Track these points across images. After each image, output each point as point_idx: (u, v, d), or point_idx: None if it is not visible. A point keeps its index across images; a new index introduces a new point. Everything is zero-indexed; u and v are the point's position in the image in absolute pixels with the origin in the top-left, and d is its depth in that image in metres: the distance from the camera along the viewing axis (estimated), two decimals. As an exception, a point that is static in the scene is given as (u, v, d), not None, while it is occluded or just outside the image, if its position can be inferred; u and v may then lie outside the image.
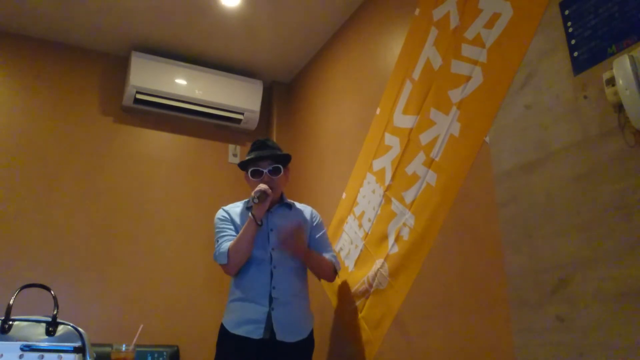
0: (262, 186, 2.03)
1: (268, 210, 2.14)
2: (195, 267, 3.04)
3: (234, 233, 2.10)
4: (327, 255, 2.19)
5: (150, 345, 2.65)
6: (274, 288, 2.03)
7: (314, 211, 2.31)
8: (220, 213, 2.20)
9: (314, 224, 2.25)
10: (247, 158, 2.16)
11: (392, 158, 2.22)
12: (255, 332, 1.96)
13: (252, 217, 2.01)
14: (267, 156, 2.13)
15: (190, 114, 3.22)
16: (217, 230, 2.14)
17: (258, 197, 1.99)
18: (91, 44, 3.16)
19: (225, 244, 2.05)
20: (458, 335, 1.72)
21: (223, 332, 2.04)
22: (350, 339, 2.30)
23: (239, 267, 2.06)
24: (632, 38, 1.29)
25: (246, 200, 2.23)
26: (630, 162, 1.25)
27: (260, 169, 2.12)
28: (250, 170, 2.14)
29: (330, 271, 2.19)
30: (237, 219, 2.15)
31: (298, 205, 2.30)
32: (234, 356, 1.98)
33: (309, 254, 2.12)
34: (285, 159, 2.20)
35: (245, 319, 1.99)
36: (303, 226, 2.14)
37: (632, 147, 1.26)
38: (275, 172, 2.13)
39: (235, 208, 2.21)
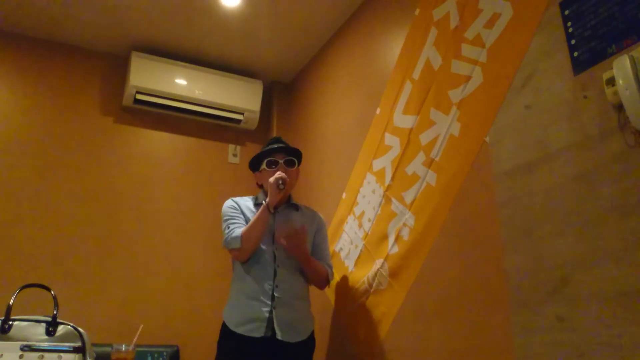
0: (281, 174, 2.05)
1: (275, 210, 2.15)
2: (195, 267, 3.04)
3: (243, 222, 2.10)
4: (324, 265, 2.21)
5: (150, 345, 2.65)
6: (276, 287, 2.03)
7: (320, 216, 2.32)
8: (229, 203, 2.20)
9: (318, 229, 2.26)
10: (263, 149, 2.20)
11: (392, 158, 2.22)
12: (257, 331, 1.96)
13: (265, 204, 2.02)
14: (283, 148, 2.18)
15: (190, 114, 3.22)
16: (227, 217, 2.14)
17: (282, 183, 2.03)
18: (91, 44, 3.16)
19: (238, 230, 2.05)
20: (458, 335, 1.72)
21: (225, 330, 2.04)
22: (350, 339, 2.30)
23: (250, 253, 2.06)
24: (632, 38, 1.29)
25: (254, 197, 2.24)
26: (630, 162, 1.25)
27: (277, 160, 2.15)
28: (266, 160, 2.16)
29: (323, 279, 2.20)
30: (248, 213, 2.15)
31: (304, 207, 2.30)
32: (235, 355, 1.98)
33: (308, 257, 2.12)
34: (298, 155, 2.22)
35: (247, 318, 1.99)
36: (307, 230, 2.13)
37: (632, 147, 1.26)
38: (290, 164, 2.16)
39: (244, 202, 2.21)
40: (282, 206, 2.20)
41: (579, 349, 1.30)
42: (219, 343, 2.05)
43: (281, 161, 2.14)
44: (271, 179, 2.05)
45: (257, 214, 2.04)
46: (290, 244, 2.07)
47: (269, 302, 2.00)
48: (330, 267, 2.25)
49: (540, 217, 1.47)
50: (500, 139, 1.66)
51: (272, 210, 2.05)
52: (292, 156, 2.19)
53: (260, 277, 2.04)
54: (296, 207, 2.24)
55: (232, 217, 2.13)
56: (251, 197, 2.26)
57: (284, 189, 2.03)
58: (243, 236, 2.02)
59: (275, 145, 2.18)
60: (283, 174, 2.06)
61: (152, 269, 2.96)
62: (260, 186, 2.24)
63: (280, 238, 2.06)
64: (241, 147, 3.47)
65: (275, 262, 2.07)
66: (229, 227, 2.09)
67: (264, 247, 2.08)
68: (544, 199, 1.47)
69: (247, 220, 2.11)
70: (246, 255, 2.06)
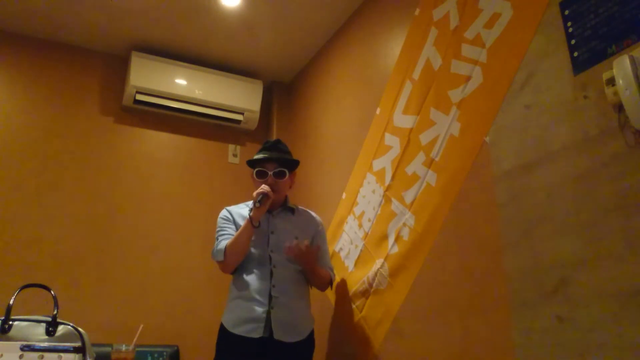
0: (265, 188, 2.04)
1: (270, 213, 2.15)
2: (195, 267, 3.04)
3: (234, 233, 2.11)
4: (326, 269, 2.22)
5: (150, 345, 2.65)
6: (273, 286, 2.03)
7: (318, 218, 2.32)
8: (223, 213, 2.21)
9: (317, 232, 2.26)
10: (254, 157, 2.18)
11: (392, 158, 2.22)
12: (255, 332, 1.96)
13: (249, 218, 2.02)
14: (275, 159, 2.14)
15: (190, 114, 3.22)
16: (218, 229, 2.16)
17: (259, 201, 2.01)
18: (91, 44, 3.16)
19: (223, 242, 2.07)
20: (458, 335, 1.72)
21: (223, 332, 2.04)
22: (350, 339, 2.30)
23: (234, 266, 2.09)
24: (632, 38, 1.29)
25: (251, 202, 2.24)
26: (630, 162, 1.25)
27: (266, 171, 2.13)
28: (255, 171, 2.15)
29: (326, 284, 2.22)
30: (240, 221, 2.15)
31: (301, 209, 2.30)
32: (233, 356, 1.98)
33: (314, 269, 2.12)
34: (292, 164, 2.20)
35: (244, 318, 1.99)
36: (315, 247, 2.12)
37: (632, 147, 1.26)
38: (279, 175, 2.13)
39: (239, 210, 2.22)
40: (278, 209, 2.20)
41: (579, 349, 1.30)
42: (217, 345, 2.05)
43: (270, 172, 2.12)
44: (254, 194, 2.05)
45: (241, 228, 2.05)
46: (299, 259, 2.07)
47: (266, 303, 2.00)
48: (332, 269, 2.26)
49: (540, 217, 1.47)
50: (500, 139, 1.66)
51: (255, 225, 2.04)
52: (284, 166, 2.15)
53: (257, 278, 2.05)
54: (292, 210, 2.24)
55: (222, 229, 2.14)
56: (247, 203, 2.25)
57: (260, 206, 2.01)
58: (226, 250, 2.04)
59: (268, 155, 2.15)
60: (265, 189, 2.03)
61: (152, 269, 2.96)
62: None
63: (288, 251, 2.04)
64: (241, 147, 3.47)
65: (271, 263, 2.07)
66: (217, 240, 2.12)
67: (259, 251, 2.09)
68: (544, 199, 1.46)
69: (238, 228, 2.11)
70: (230, 268, 2.09)
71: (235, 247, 2.04)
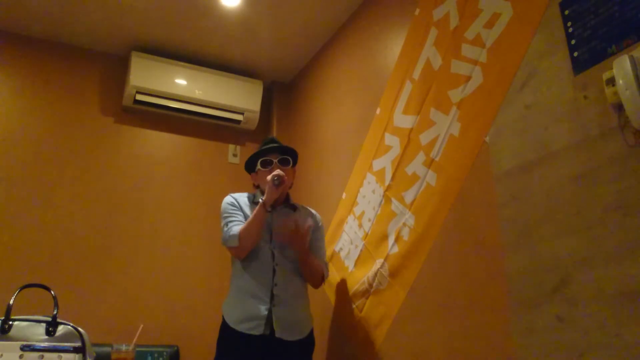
0: (280, 171, 2.06)
1: (272, 210, 2.15)
2: (195, 267, 3.04)
3: (242, 219, 2.11)
4: (321, 262, 2.21)
5: (150, 345, 2.65)
6: (275, 285, 2.04)
7: (318, 215, 2.33)
8: (229, 199, 2.20)
9: (315, 228, 2.26)
10: (255, 152, 2.21)
11: (392, 158, 2.22)
12: (256, 329, 1.96)
13: (262, 203, 2.03)
14: (277, 147, 2.19)
15: (190, 114, 3.22)
16: (226, 214, 2.14)
17: (277, 179, 2.02)
18: (91, 44, 3.16)
19: (236, 227, 2.06)
20: (458, 335, 1.72)
21: (224, 328, 2.04)
22: (350, 339, 2.30)
23: (248, 250, 2.07)
24: (632, 38, 1.29)
25: (250, 194, 2.25)
26: (630, 162, 1.25)
27: (271, 159, 2.16)
28: (260, 161, 2.17)
29: (319, 277, 2.20)
30: (246, 209, 2.16)
31: (302, 206, 2.31)
32: (235, 353, 1.99)
33: (307, 253, 2.13)
34: (292, 154, 2.22)
35: (246, 316, 1.99)
36: (310, 227, 2.14)
37: (632, 147, 1.26)
38: (284, 162, 2.17)
39: (243, 198, 2.23)
40: (280, 206, 2.20)
41: (579, 349, 1.30)
42: (219, 340, 2.06)
43: (275, 160, 2.15)
44: (268, 177, 2.06)
45: (254, 212, 2.05)
46: (290, 239, 2.08)
47: (268, 301, 2.00)
48: (326, 264, 2.26)
49: (540, 217, 1.47)
50: (500, 139, 1.66)
51: (269, 209, 2.05)
52: (286, 155, 2.19)
53: (259, 275, 2.05)
54: (294, 207, 2.24)
55: (231, 214, 2.13)
56: (248, 194, 2.26)
57: (279, 185, 2.03)
58: (241, 234, 2.03)
59: (269, 145, 2.19)
60: (280, 172, 2.06)
61: (152, 269, 2.95)
62: (257, 187, 2.24)
63: (280, 233, 2.06)
64: (241, 147, 3.47)
65: (274, 260, 2.08)
66: (227, 225, 2.10)
67: (262, 248, 2.09)
68: (544, 199, 1.47)
69: (246, 216, 2.12)
70: (244, 252, 2.08)
71: (250, 231, 2.03)
